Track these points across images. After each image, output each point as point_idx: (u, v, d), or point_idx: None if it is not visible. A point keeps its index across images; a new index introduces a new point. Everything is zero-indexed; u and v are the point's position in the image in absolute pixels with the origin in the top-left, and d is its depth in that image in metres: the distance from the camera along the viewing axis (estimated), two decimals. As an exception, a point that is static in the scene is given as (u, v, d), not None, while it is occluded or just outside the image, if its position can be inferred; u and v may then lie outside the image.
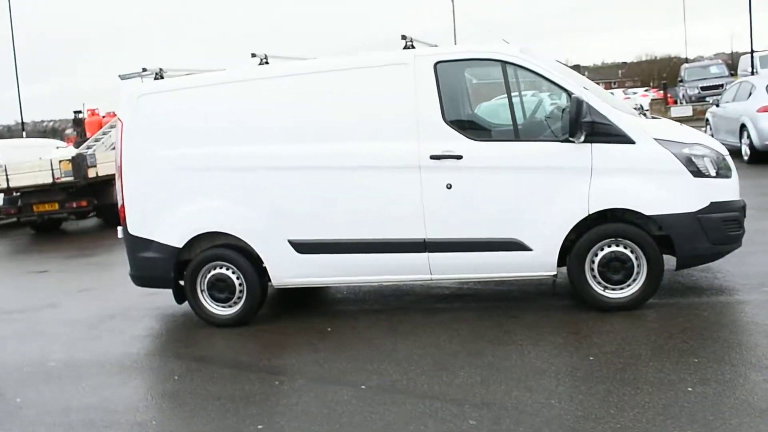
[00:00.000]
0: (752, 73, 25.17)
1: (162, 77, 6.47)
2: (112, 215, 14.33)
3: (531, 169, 5.58)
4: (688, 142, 5.56)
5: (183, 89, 6.28)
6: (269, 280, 6.19)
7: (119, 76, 6.74)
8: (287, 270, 6.11)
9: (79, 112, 17.40)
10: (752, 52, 22.66)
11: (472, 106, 6.45)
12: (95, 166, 13.51)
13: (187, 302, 6.46)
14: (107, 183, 13.95)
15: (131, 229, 6.39)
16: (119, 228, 6.58)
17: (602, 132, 5.46)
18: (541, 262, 5.66)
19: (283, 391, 4.74)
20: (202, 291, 6.32)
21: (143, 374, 5.37)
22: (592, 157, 5.47)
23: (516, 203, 5.63)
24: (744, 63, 29.34)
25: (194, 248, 6.34)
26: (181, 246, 6.25)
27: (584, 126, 5.35)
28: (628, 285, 5.59)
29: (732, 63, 42.26)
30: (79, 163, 13.10)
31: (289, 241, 6.04)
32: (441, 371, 4.78)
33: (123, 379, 5.29)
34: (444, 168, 5.66)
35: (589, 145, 5.47)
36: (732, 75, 31.52)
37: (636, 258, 5.54)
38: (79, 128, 17.16)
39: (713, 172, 5.49)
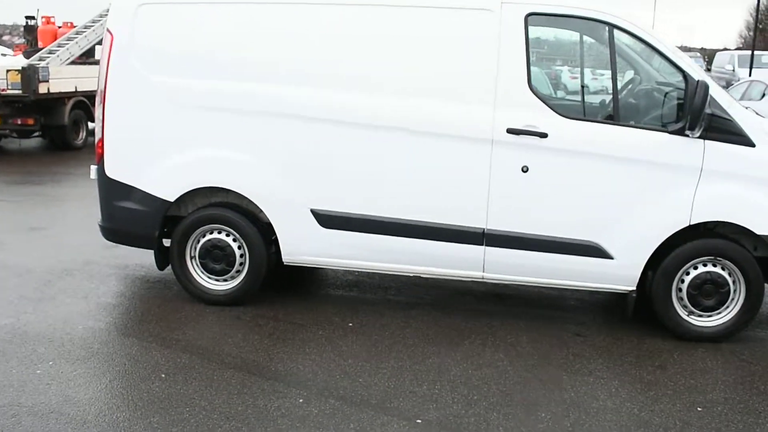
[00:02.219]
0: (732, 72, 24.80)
1: (169, -15, 5.08)
2: (59, 137, 12.76)
3: (629, 161, 4.53)
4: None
5: (197, 3, 4.91)
6: (278, 255, 5.01)
7: None
8: (306, 245, 4.93)
9: (32, 17, 15.36)
10: (753, 49, 22.12)
11: (564, 73, 5.33)
12: (47, 81, 11.83)
13: (169, 269, 5.23)
14: (58, 101, 12.39)
15: (110, 171, 5.07)
16: (92, 167, 5.24)
17: (720, 128, 4.46)
18: (621, 274, 4.67)
19: (312, 415, 3.63)
20: (192, 258, 5.10)
21: (118, 365, 4.15)
22: (703, 157, 4.47)
23: (603, 200, 4.59)
24: (721, 60, 28.97)
25: (187, 204, 5.09)
26: (172, 200, 4.98)
27: (706, 118, 4.33)
28: (719, 313, 4.67)
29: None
30: (29, 75, 11.41)
31: (313, 211, 4.85)
32: (516, 407, 3.76)
33: (90, 369, 4.08)
34: (522, 146, 4.55)
35: (702, 141, 4.46)
36: (708, 71, 31.26)
37: (734, 282, 4.61)
38: (30, 36, 15.18)
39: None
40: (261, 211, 4.98)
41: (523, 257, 4.70)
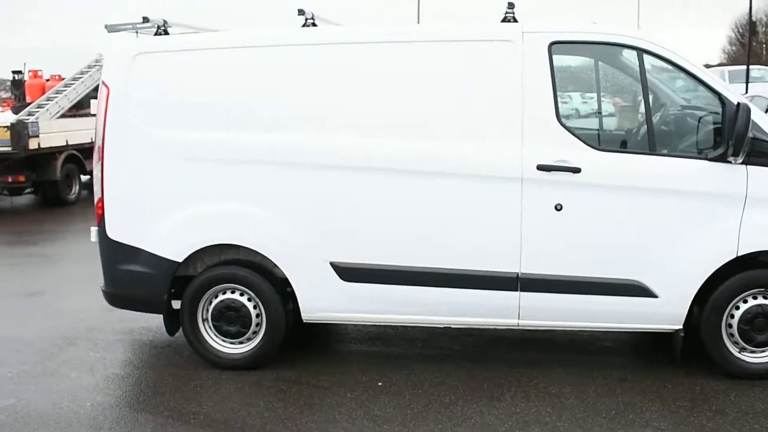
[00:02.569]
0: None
1: (166, 32, 4.83)
2: (52, 193, 12.44)
3: (669, 192, 4.25)
4: None
5: (198, 50, 4.65)
6: (296, 313, 4.67)
7: (106, 27, 5.07)
8: (326, 301, 4.61)
9: (19, 72, 15.13)
10: (747, 64, 22.05)
11: (592, 103, 5.08)
12: (37, 136, 11.55)
13: (180, 334, 4.89)
14: (50, 156, 12.10)
15: (112, 232, 4.75)
16: (93, 229, 4.92)
17: (763, 151, 4.20)
18: (667, 312, 4.36)
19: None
20: (204, 321, 4.76)
21: (134, 449, 3.78)
22: (747, 183, 4.20)
23: (644, 236, 4.30)
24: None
25: (196, 263, 4.77)
26: (180, 260, 4.66)
27: (748, 142, 4.07)
28: (774, 348, 4.36)
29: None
30: (19, 131, 11.14)
31: (332, 264, 4.53)
32: (575, 472, 3.41)
33: (104, 453, 3.71)
34: (554, 183, 4.27)
35: (744, 167, 4.19)
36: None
37: (788, 314, 4.31)
38: (17, 91, 14.93)
39: None
40: (276, 266, 4.66)
41: (561, 301, 4.39)
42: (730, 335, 4.37)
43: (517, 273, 4.38)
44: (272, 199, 4.53)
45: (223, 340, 4.75)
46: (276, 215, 4.54)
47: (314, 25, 4.69)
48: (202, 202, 4.61)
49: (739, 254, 4.22)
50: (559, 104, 4.29)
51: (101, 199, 4.76)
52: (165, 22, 4.79)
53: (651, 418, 3.95)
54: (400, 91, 4.43)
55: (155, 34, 4.82)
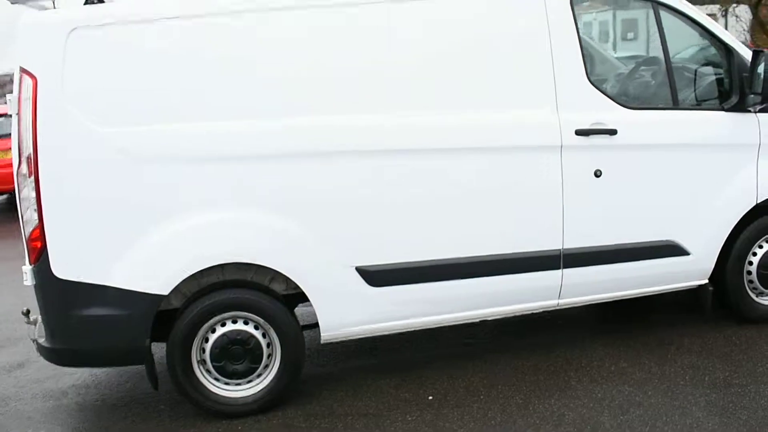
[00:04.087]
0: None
1: (101, 0, 3.71)
2: None
3: (698, 147, 4.19)
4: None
5: (161, 20, 3.61)
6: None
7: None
8: (353, 313, 3.90)
9: None
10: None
11: (609, 60, 4.82)
12: None
13: (160, 386, 3.87)
14: None
15: (59, 270, 3.57)
16: (26, 269, 3.68)
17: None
18: (698, 268, 4.33)
19: None
20: (200, 363, 3.79)
21: None
22: (760, 131, 4.27)
23: (676, 193, 4.20)
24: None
25: (180, 294, 3.78)
26: (166, 292, 3.65)
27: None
28: (789, 290, 4.52)
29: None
30: None
31: (359, 269, 3.83)
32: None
33: None
34: (592, 148, 3.99)
35: (755, 115, 4.25)
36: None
37: (801, 255, 4.48)
38: None
39: None
40: (272, 281, 3.85)
41: (602, 273, 4.15)
42: (750, 282, 4.44)
43: (560, 249, 4.05)
44: (277, 200, 3.70)
45: (227, 383, 3.83)
46: (284, 220, 3.71)
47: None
48: (187, 215, 3.63)
49: (758, 202, 4.29)
50: (587, 63, 4.00)
51: (39, 228, 3.56)
52: None
53: (727, 374, 3.87)
54: (410, 58, 3.82)
55: (86, 3, 3.69)
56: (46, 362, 3.97)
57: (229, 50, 3.62)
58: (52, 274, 3.57)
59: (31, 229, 3.59)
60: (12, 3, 3.72)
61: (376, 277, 3.85)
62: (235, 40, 3.63)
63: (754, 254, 4.42)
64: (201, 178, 3.61)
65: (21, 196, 3.60)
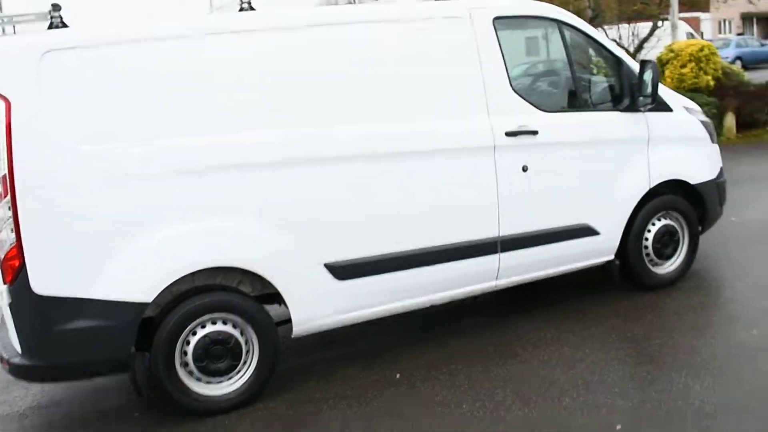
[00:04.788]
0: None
1: (65, 25, 3.83)
2: None
3: (601, 142, 4.91)
4: (698, 109, 5.58)
5: (124, 43, 3.79)
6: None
7: None
8: (323, 307, 4.22)
9: None
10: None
11: (527, 72, 5.41)
12: None
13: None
14: None
15: (39, 286, 3.62)
16: (2, 289, 3.68)
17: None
18: (607, 246, 5.04)
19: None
20: (184, 365, 3.94)
21: None
22: (648, 127, 5.08)
23: (587, 183, 4.89)
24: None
25: (154, 304, 3.92)
26: (150, 300, 3.80)
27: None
28: (674, 259, 5.34)
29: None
30: None
31: (326, 266, 4.17)
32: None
33: None
34: (520, 147, 4.59)
35: (643, 114, 5.06)
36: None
37: (680, 229, 5.33)
38: None
39: (715, 139, 5.61)
40: (241, 283, 4.11)
41: (532, 255, 4.74)
42: (647, 255, 5.22)
43: (497, 236, 4.60)
44: (250, 205, 3.97)
45: (209, 382, 4.01)
46: (257, 223, 3.98)
47: (251, 8, 4.21)
48: (165, 225, 3.81)
49: (651, 186, 5.08)
50: (510, 74, 4.61)
51: (16, 247, 3.59)
52: (56, 6, 3.77)
53: (644, 331, 4.58)
54: (365, 74, 4.26)
55: (50, 27, 3.79)
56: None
57: (198, 73, 3.87)
58: (32, 291, 3.61)
59: (7, 248, 3.61)
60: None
61: (342, 271, 4.20)
62: (205, 63, 3.88)
63: (649, 231, 5.20)
64: (176, 190, 3.81)
65: (-5, 217, 3.61)
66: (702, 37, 27.36)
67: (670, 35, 13.72)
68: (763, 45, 31.95)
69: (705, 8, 28.37)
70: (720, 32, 40.54)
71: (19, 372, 3.84)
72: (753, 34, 39.53)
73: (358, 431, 3.72)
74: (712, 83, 12.14)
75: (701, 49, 12.39)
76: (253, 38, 4.03)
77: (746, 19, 42.37)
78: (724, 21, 41.28)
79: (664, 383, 3.89)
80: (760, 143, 11.15)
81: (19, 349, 3.78)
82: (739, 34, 37.52)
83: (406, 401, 3.97)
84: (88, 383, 4.63)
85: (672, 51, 12.57)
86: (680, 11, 14.77)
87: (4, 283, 3.68)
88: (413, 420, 3.76)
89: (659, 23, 13.56)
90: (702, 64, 12.15)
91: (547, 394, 3.88)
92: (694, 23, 30.69)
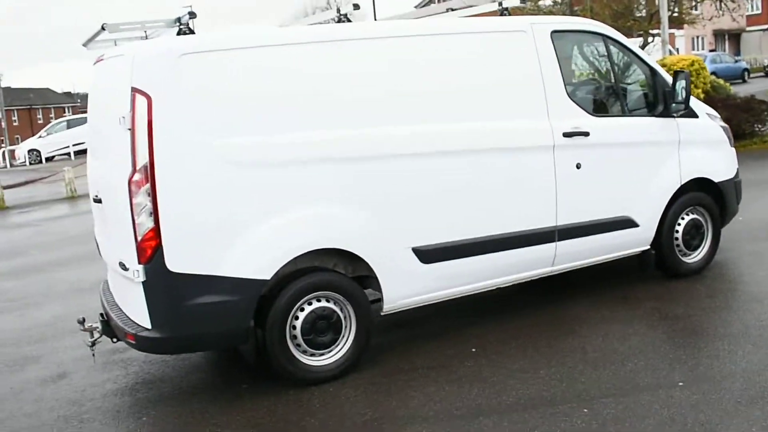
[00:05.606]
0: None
1: (192, 31, 4.34)
2: None
3: (641, 144, 5.54)
4: (717, 116, 6.24)
5: (256, 48, 4.32)
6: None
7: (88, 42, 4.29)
8: (409, 287, 4.76)
9: None
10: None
11: (578, 80, 6.00)
12: None
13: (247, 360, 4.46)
14: None
15: (174, 264, 4.11)
16: (136, 269, 4.13)
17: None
18: (645, 237, 5.65)
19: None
20: (293, 339, 4.44)
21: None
22: (679, 131, 5.71)
23: (629, 180, 5.50)
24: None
25: (277, 279, 4.42)
26: (269, 277, 4.30)
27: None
28: (700, 250, 5.97)
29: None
30: None
31: (414, 249, 4.71)
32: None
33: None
34: (574, 146, 5.19)
35: (675, 119, 5.70)
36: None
37: (705, 222, 5.97)
38: None
39: (732, 143, 6.28)
40: (336, 265, 4.62)
41: (583, 244, 5.33)
42: (677, 246, 5.85)
43: (555, 226, 5.18)
44: (352, 194, 4.50)
45: (313, 354, 4.51)
46: (362, 212, 4.52)
47: (348, 20, 4.76)
48: (284, 210, 4.33)
49: (681, 183, 5.71)
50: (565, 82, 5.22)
51: (153, 230, 4.07)
52: (192, 15, 4.28)
53: (682, 310, 5.18)
54: (449, 81, 4.82)
55: (178, 33, 4.30)
56: (86, 371, 4.44)
57: (311, 75, 4.39)
58: (167, 269, 4.09)
59: (144, 231, 4.08)
60: (85, 46, 4.22)
61: (427, 255, 4.74)
62: (316, 66, 4.41)
63: (679, 224, 5.83)
64: (295, 179, 4.33)
65: (134, 202, 4.08)
66: (678, 53, 28.53)
67: (659, 50, 14.56)
68: (736, 61, 33.28)
69: (679, 25, 29.68)
70: (693, 48, 42.04)
71: (146, 344, 4.29)
72: (725, 50, 41.08)
73: (452, 394, 4.23)
74: (701, 96, 12.93)
75: (691, 64, 13.20)
76: (357, 46, 4.57)
77: (718, 35, 44.04)
78: (698, 37, 42.83)
79: (711, 350, 4.49)
80: (749, 152, 11.91)
81: (147, 324, 4.23)
82: (711, 51, 38.99)
83: (487, 369, 4.51)
84: (186, 362, 5.12)
85: (664, 65, 13.36)
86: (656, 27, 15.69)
87: (139, 263, 4.13)
88: (499, 384, 4.29)
89: (650, 39, 14.36)
90: (692, 78, 12.93)
91: (611, 360, 4.45)
92: (670, 39, 32.06)
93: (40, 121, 62.59)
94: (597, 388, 4.11)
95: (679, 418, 3.68)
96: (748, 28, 44.98)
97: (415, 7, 47.72)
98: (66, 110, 69.95)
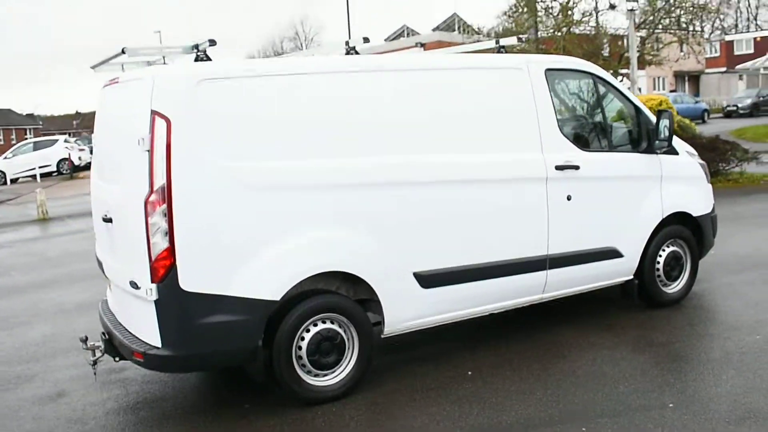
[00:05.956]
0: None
1: (209, 58, 4.50)
2: None
3: (627, 178, 5.83)
4: (695, 153, 6.59)
5: (272, 76, 4.50)
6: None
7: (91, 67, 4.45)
8: (409, 311, 4.92)
9: None
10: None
11: (569, 116, 6.26)
12: None
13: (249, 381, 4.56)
14: None
15: (187, 283, 4.22)
16: (150, 287, 4.23)
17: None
18: (629, 267, 5.92)
19: None
20: (298, 359, 4.56)
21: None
22: (661, 167, 6.03)
23: (615, 212, 5.78)
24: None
25: (284, 300, 4.55)
26: (278, 298, 4.43)
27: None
28: (679, 280, 6.27)
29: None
30: None
31: (415, 274, 4.89)
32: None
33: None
34: (565, 179, 5.45)
35: (657, 155, 6.02)
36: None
37: (684, 254, 6.28)
38: None
39: (708, 179, 6.63)
40: (350, 288, 4.78)
41: (571, 272, 5.57)
42: (658, 276, 6.13)
43: (547, 255, 5.42)
44: (362, 220, 4.67)
45: (316, 375, 4.63)
46: (367, 237, 4.69)
47: (357, 53, 4.99)
48: (295, 233, 4.48)
49: (663, 216, 6.02)
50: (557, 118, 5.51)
51: (168, 249, 4.18)
52: (212, 43, 4.45)
53: (666, 338, 5.44)
54: (449, 113, 5.05)
55: (195, 60, 4.47)
56: (84, 389, 4.54)
57: (320, 105, 4.58)
58: (180, 288, 4.19)
59: (159, 251, 4.19)
60: (94, 69, 4.38)
61: (427, 280, 4.92)
62: (325, 96, 4.61)
63: (660, 255, 6.13)
64: (305, 203, 4.49)
65: (150, 222, 4.19)
66: (640, 92, 29.55)
67: (628, 89, 15.16)
68: (696, 102, 34.53)
69: (642, 66, 30.84)
70: (654, 89, 43.54)
71: (156, 362, 4.37)
72: (685, 91, 42.59)
73: (453, 414, 4.38)
74: (670, 135, 13.47)
75: (660, 103, 13.80)
76: (362, 78, 4.78)
77: (678, 76, 45.68)
78: (658, 78, 44.38)
79: (696, 374, 4.74)
80: (715, 190, 12.42)
81: (157, 342, 4.31)
82: (672, 91, 40.40)
83: (485, 391, 4.68)
84: (184, 382, 5.18)
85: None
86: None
87: (152, 281, 4.22)
88: (498, 404, 4.47)
89: (619, 78, 14.94)
90: (660, 117, 13.50)
91: (602, 383, 4.67)
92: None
93: (1, 143, 61.55)
94: (592, 409, 4.31)
95: (672, 437, 3.89)
96: (707, 70, 46.77)
97: (386, 40, 48.61)
98: (27, 132, 69.04)
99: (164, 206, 4.16)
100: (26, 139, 48.20)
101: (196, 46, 4.52)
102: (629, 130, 6.08)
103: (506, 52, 5.60)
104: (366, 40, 4.97)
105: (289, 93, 4.53)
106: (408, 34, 47.96)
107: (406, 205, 4.82)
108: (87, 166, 34.09)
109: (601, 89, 5.87)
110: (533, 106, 5.34)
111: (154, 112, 4.18)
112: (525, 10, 16.61)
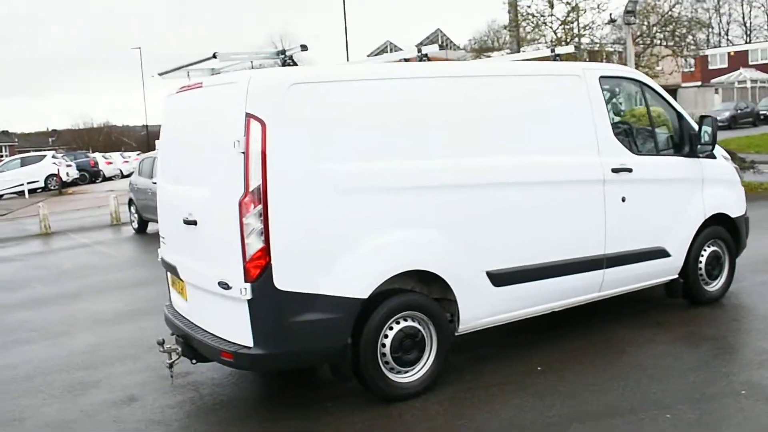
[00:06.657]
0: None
1: (294, 63, 4.65)
2: None
3: (673, 180, 6.08)
4: (729, 158, 6.87)
5: (358, 81, 4.67)
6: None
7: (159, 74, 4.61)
8: (481, 308, 5.08)
9: None
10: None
11: (620, 121, 6.49)
12: None
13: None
14: None
15: (282, 283, 4.33)
16: (244, 287, 4.32)
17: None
18: (675, 266, 6.15)
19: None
20: (382, 356, 4.69)
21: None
22: (702, 170, 6.30)
23: (663, 213, 6.01)
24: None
25: (369, 299, 4.67)
26: (366, 296, 4.56)
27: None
28: (719, 279, 6.52)
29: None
30: None
31: (488, 273, 5.06)
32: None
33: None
34: (620, 181, 5.67)
35: (699, 159, 6.29)
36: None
37: (723, 253, 6.53)
38: None
39: (741, 182, 6.92)
40: (450, 286, 4.90)
41: (626, 271, 5.79)
42: (701, 275, 6.38)
43: (604, 254, 5.62)
44: (442, 221, 4.83)
45: (398, 371, 4.75)
46: (446, 236, 4.85)
47: (429, 60, 5.18)
48: (382, 233, 4.62)
49: (706, 216, 6.27)
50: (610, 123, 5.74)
51: (262, 249, 4.30)
52: (303, 48, 4.61)
53: (713, 332, 5.66)
54: (514, 117, 5.26)
55: (283, 64, 4.62)
56: (155, 393, 4.74)
57: (406, 109, 4.75)
58: (275, 287, 4.30)
59: (253, 251, 4.30)
60: (160, 76, 4.53)
61: (498, 278, 5.09)
62: (410, 100, 4.78)
63: (702, 255, 6.37)
64: (391, 204, 4.65)
65: (244, 223, 4.30)
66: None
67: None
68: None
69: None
70: (634, 102, 44.28)
71: (246, 361, 4.46)
72: (663, 105, 43.36)
73: (538, 406, 4.54)
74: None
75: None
76: (446, 83, 4.99)
77: (656, 91, 46.49)
78: (638, 92, 45.15)
79: (757, 364, 4.96)
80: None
81: (248, 342, 4.40)
82: (651, 105, 41.17)
83: (560, 384, 4.84)
84: (254, 383, 5.27)
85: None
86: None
87: (246, 281, 4.32)
88: (577, 396, 4.63)
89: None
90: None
91: (671, 375, 4.87)
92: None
93: (-25, 161, 60.56)
94: (670, 397, 4.50)
95: (754, 419, 4.09)
96: (683, 84, 47.84)
97: (368, 56, 49.03)
98: (3, 149, 68.08)
99: (259, 207, 4.28)
100: (1, 157, 47.58)
101: (283, 51, 4.67)
102: (673, 134, 6.34)
103: (561, 59, 5.83)
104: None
105: (373, 97, 4.69)
106: (391, 50, 48.47)
107: (481, 205, 5.00)
108: (74, 182, 33.90)
109: (648, 96, 6.12)
110: (590, 110, 5.57)
111: (249, 115, 4.30)
112: (525, 24, 17.00)
